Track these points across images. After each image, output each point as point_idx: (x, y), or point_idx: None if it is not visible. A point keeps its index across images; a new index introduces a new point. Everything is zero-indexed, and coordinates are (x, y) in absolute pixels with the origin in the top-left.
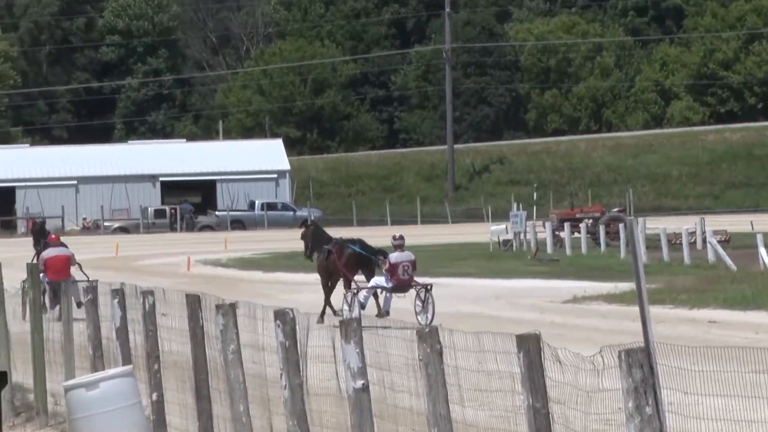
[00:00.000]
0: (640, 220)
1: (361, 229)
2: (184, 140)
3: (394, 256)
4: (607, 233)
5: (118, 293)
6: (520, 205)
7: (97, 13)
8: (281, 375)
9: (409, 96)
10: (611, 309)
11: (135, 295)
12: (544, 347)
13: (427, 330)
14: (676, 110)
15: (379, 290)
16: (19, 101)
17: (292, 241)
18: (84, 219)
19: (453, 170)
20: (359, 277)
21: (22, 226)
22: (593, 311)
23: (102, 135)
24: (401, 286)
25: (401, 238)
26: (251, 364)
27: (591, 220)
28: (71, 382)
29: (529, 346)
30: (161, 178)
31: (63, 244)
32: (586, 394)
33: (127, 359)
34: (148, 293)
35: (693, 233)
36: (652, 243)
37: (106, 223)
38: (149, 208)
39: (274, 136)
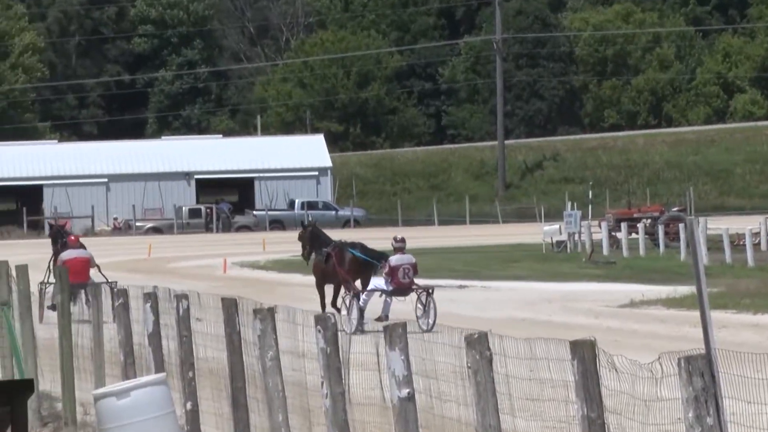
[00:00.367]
0: (701, 219)
1: (406, 230)
2: (221, 136)
3: (395, 259)
4: (666, 234)
5: (151, 297)
6: (575, 204)
7: (129, 1)
8: (322, 383)
9: (457, 89)
10: (670, 314)
11: (168, 299)
12: (599, 354)
13: (476, 336)
14: (739, 104)
15: (378, 293)
16: (47, 95)
17: None
18: (115, 219)
19: (504, 167)
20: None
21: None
22: (651, 316)
23: (134, 130)
24: (401, 289)
25: (402, 240)
26: (291, 372)
27: (649, 220)
28: (101, 390)
29: (584, 353)
30: (196, 176)
31: (82, 246)
32: (643, 403)
33: (160, 366)
34: (182, 297)
35: (757, 233)
36: (714, 244)
37: (138, 224)
38: (183, 208)
39: (315, 131)
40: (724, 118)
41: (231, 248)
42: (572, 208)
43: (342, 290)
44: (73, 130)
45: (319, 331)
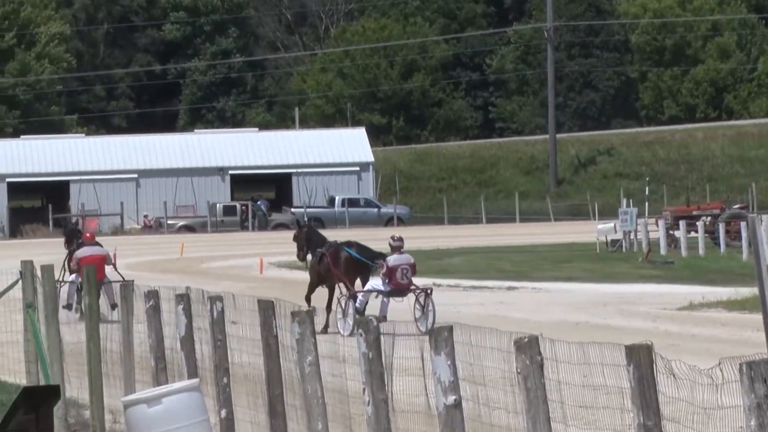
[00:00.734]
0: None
1: (452, 228)
2: (257, 129)
3: (392, 259)
4: (727, 232)
5: (183, 299)
6: (630, 201)
7: None
8: (364, 390)
9: (506, 80)
10: (731, 317)
11: (202, 300)
12: (656, 359)
13: (527, 340)
14: None
15: (375, 294)
16: (73, 86)
17: (376, 241)
18: (145, 216)
19: (555, 162)
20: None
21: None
22: (711, 319)
23: (165, 123)
24: (399, 290)
25: (400, 239)
26: (330, 378)
27: (709, 218)
28: (131, 397)
29: (640, 358)
30: (231, 171)
31: (98, 243)
32: (703, 411)
33: (193, 372)
34: (216, 299)
35: None
36: None
37: (169, 221)
38: (218, 205)
39: (357, 124)
40: None
41: (268, 247)
42: (628, 206)
43: (337, 291)
44: (101, 123)
45: (361, 335)
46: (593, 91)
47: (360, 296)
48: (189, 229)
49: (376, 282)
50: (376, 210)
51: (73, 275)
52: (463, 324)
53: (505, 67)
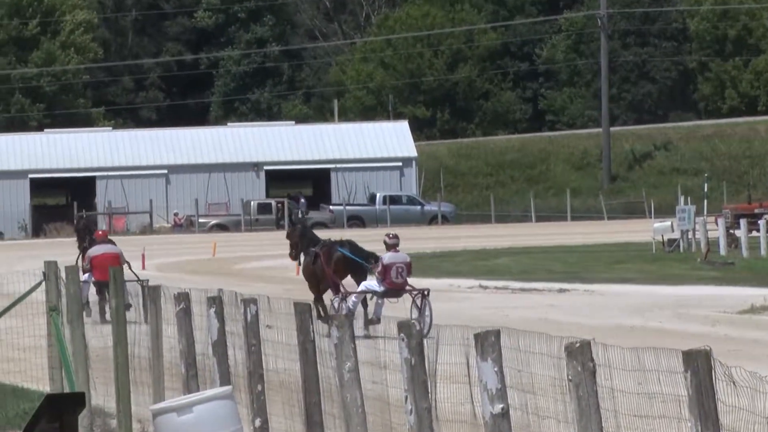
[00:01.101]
0: None
1: (500, 227)
2: (293, 122)
3: (387, 257)
4: None
5: (215, 302)
6: (688, 199)
7: None
8: (406, 397)
9: (557, 70)
10: None
11: (235, 303)
12: (715, 365)
13: (578, 345)
14: None
15: (369, 295)
16: (100, 77)
17: (418, 240)
18: (175, 215)
19: (609, 158)
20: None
21: (103, 223)
22: None
23: (197, 116)
24: (394, 290)
25: (395, 237)
26: (371, 385)
27: None
28: (160, 405)
29: (698, 365)
30: (266, 167)
31: (111, 241)
32: (765, 421)
33: (225, 379)
34: (250, 301)
35: None
36: None
37: (201, 220)
38: (252, 202)
39: (399, 117)
40: None
41: None
42: (686, 203)
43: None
44: (129, 116)
45: (403, 339)
46: (649, 82)
47: (353, 297)
48: (221, 227)
49: (370, 283)
50: (419, 208)
51: (86, 275)
52: (510, 328)
53: (555, 56)
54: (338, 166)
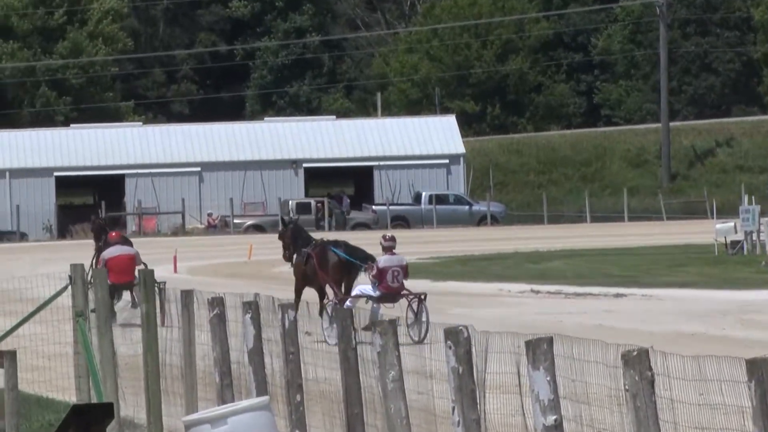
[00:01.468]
0: None
1: (553, 228)
2: (334, 117)
3: (383, 260)
4: None
5: (251, 307)
6: (753, 198)
7: None
8: (453, 408)
9: (613, 62)
10: None
11: (272, 309)
12: None
13: (636, 353)
14: None
15: (364, 300)
16: (130, 69)
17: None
18: (209, 215)
19: (668, 155)
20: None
21: (132, 224)
22: None
23: (232, 110)
24: (390, 294)
25: (392, 239)
26: (416, 395)
27: None
28: (193, 416)
29: (763, 374)
30: (305, 164)
31: (127, 241)
32: None
33: (262, 388)
34: (288, 307)
35: None
36: None
37: (236, 220)
38: (290, 202)
39: (446, 111)
40: None
41: None
42: (749, 203)
43: (331, 294)
44: (160, 111)
45: (450, 347)
46: (711, 75)
47: (348, 302)
48: (258, 228)
49: (365, 287)
50: (467, 207)
51: None
52: (564, 335)
53: (611, 47)
54: (381, 163)
